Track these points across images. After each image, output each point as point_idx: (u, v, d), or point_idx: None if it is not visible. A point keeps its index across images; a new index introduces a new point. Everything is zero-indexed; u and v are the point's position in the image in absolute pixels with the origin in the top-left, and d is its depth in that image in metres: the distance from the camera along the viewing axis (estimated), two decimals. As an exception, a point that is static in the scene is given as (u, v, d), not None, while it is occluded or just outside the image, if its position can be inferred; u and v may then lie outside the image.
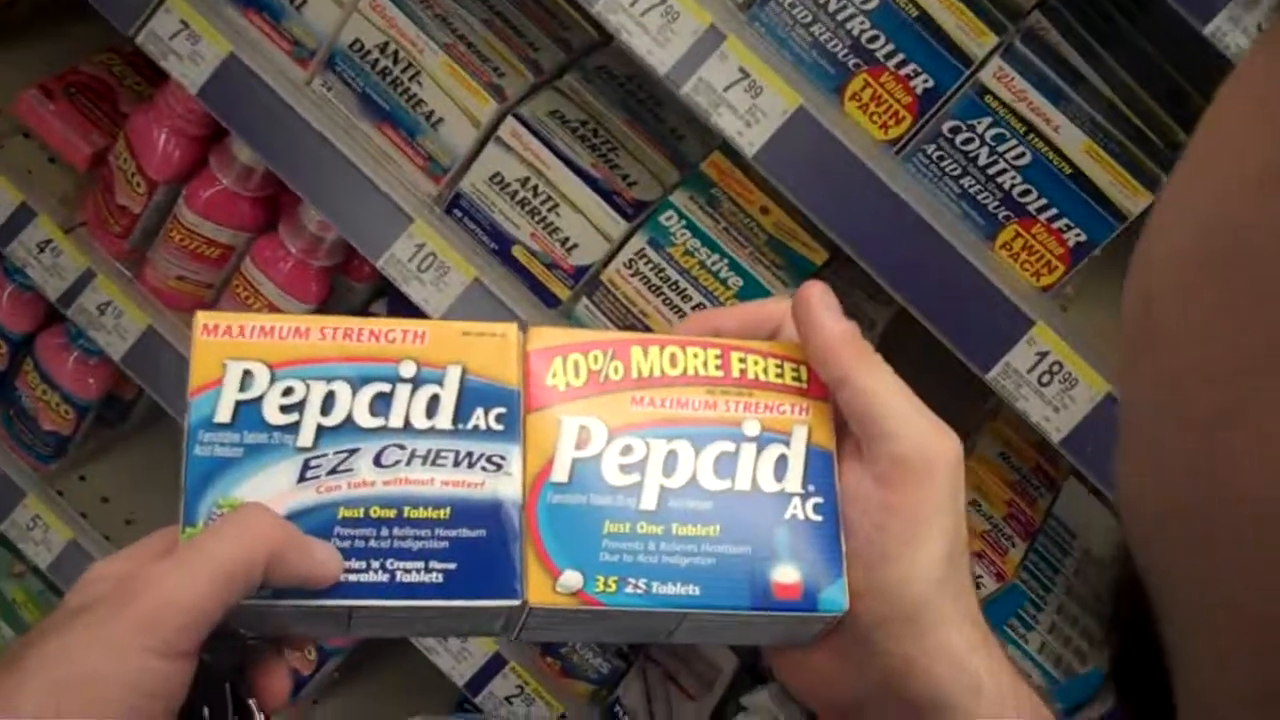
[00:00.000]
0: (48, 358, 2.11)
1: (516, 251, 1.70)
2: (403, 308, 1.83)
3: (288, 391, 0.80)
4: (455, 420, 0.81)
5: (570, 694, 2.00)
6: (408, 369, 0.82)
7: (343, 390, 0.80)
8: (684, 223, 1.65)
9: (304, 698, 2.27)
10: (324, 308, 1.94)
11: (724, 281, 1.66)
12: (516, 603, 0.79)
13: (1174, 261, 0.40)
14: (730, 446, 0.84)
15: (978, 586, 1.68)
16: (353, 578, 0.77)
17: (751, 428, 0.85)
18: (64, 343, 2.11)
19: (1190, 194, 0.41)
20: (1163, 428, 0.40)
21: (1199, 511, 0.38)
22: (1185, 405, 0.38)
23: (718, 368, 0.86)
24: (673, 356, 0.85)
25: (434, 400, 0.81)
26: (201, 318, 0.81)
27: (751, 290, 1.65)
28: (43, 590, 2.36)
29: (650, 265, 1.66)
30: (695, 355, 0.86)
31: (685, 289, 1.66)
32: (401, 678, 2.38)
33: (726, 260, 1.66)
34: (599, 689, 2.01)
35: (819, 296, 0.84)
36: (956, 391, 1.73)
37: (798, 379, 0.86)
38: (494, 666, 1.96)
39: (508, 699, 1.96)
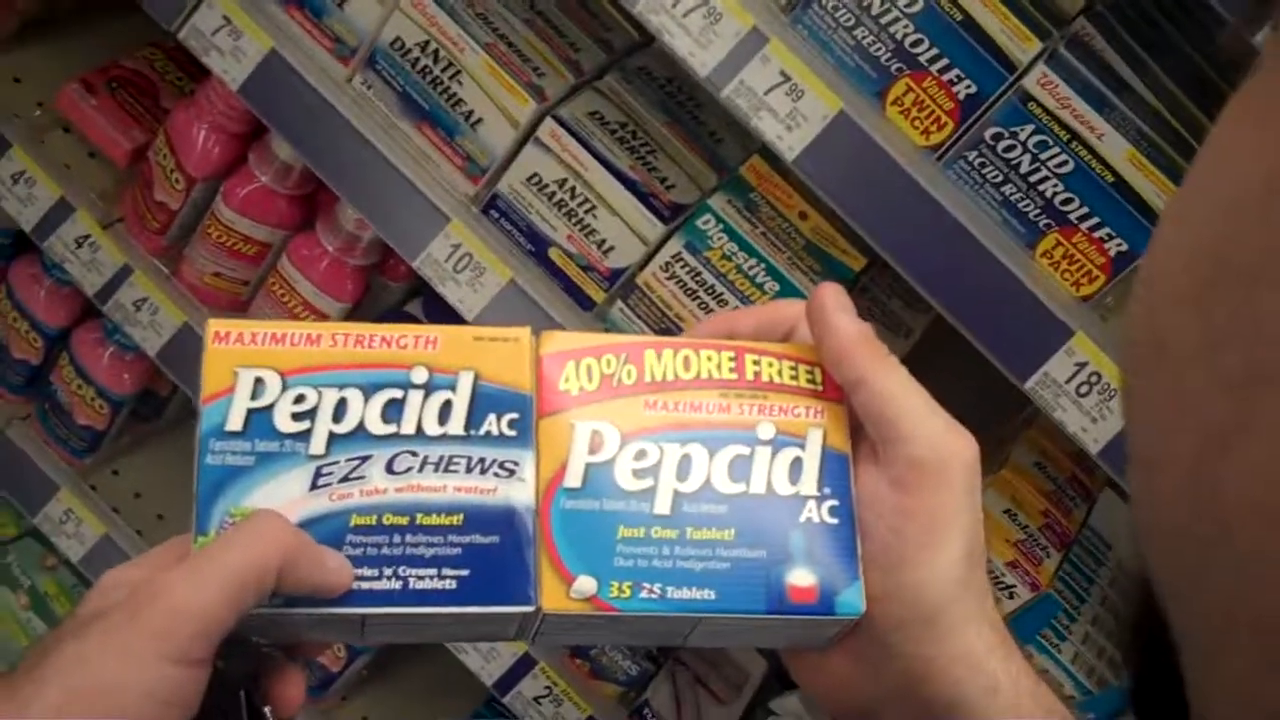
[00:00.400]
0: (84, 352, 2.12)
1: (552, 253, 1.69)
2: (438, 308, 1.83)
3: (299, 399, 0.80)
4: (468, 426, 0.81)
5: (598, 696, 1.99)
6: (420, 375, 0.82)
7: (355, 397, 0.80)
8: (721, 227, 1.65)
9: (331, 694, 2.27)
10: (360, 307, 1.94)
11: (760, 286, 1.65)
12: (530, 609, 0.79)
13: (1185, 274, 0.40)
14: (745, 450, 0.84)
15: (1011, 596, 1.67)
16: (365, 585, 0.77)
17: (766, 431, 0.85)
18: (100, 338, 2.11)
19: (1198, 209, 0.41)
20: (1174, 444, 0.40)
21: (1215, 526, 0.38)
22: (1198, 418, 0.38)
23: (732, 370, 0.86)
24: (686, 360, 0.85)
25: (446, 406, 0.81)
26: (213, 325, 0.81)
27: (788, 295, 1.65)
28: (75, 584, 2.37)
29: (687, 269, 1.66)
30: (709, 358, 0.86)
31: (721, 293, 1.66)
32: (430, 677, 2.38)
33: (764, 265, 1.65)
34: (627, 691, 2.01)
35: (833, 298, 0.84)
36: (993, 400, 1.72)
37: (812, 381, 0.86)
38: (523, 667, 1.96)
39: (536, 699, 1.96)
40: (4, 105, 2.03)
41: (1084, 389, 1.50)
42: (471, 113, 1.65)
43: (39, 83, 2.09)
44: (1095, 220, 1.47)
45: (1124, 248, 1.48)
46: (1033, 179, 1.48)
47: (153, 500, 2.27)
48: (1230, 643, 0.38)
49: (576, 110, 1.66)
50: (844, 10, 1.48)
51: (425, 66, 1.65)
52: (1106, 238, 1.48)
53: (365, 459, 0.79)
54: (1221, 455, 0.37)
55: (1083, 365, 1.49)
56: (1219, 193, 0.40)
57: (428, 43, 1.64)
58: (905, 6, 1.46)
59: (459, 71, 1.64)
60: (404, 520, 0.79)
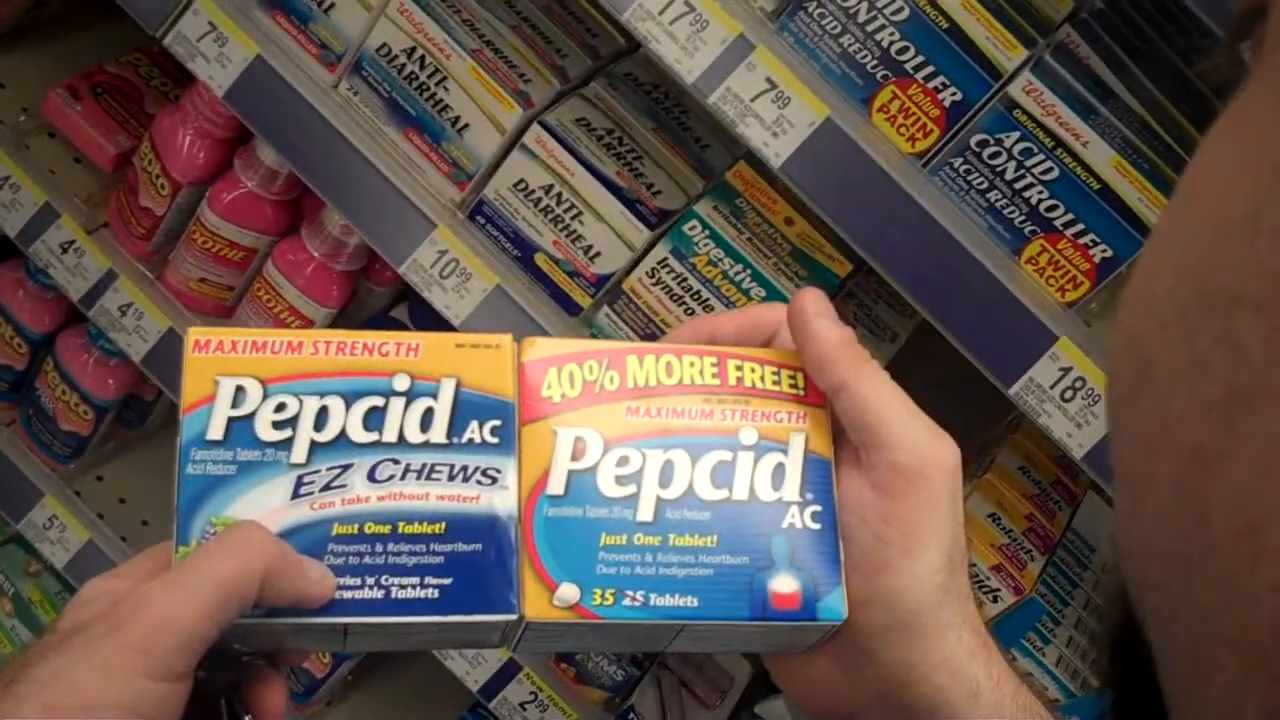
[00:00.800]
0: (68, 358, 2.11)
1: (539, 259, 1.69)
2: (424, 313, 1.83)
3: (280, 407, 0.79)
4: (450, 434, 0.81)
5: (584, 701, 1.99)
6: (401, 382, 0.81)
7: (336, 405, 0.80)
8: (707, 232, 1.65)
9: (316, 700, 2.26)
10: (345, 312, 1.94)
11: (746, 292, 1.66)
12: (513, 617, 0.79)
13: (1169, 298, 0.40)
14: (727, 455, 0.84)
15: (995, 599, 1.68)
16: (348, 595, 0.77)
17: (749, 436, 0.85)
18: (84, 343, 2.11)
19: (1183, 232, 0.41)
20: (1159, 464, 0.40)
21: (1199, 546, 0.38)
22: (1182, 439, 0.39)
23: (714, 376, 0.85)
24: (669, 365, 0.85)
25: (428, 414, 0.81)
26: (193, 334, 0.81)
27: (773, 301, 1.65)
28: (59, 590, 2.36)
29: (673, 275, 1.66)
30: (691, 364, 0.86)
31: (707, 299, 1.66)
32: (415, 682, 2.38)
33: (749, 271, 1.66)
34: (613, 696, 2.01)
35: (814, 303, 0.84)
36: (978, 405, 1.73)
37: (795, 386, 0.86)
38: (508, 673, 1.96)
39: (521, 705, 1.96)
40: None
41: (1068, 394, 1.51)
42: (458, 119, 1.65)
43: (23, 88, 2.09)
44: (1080, 227, 1.48)
45: (1109, 254, 1.48)
46: (1018, 185, 1.48)
47: (137, 506, 2.27)
48: (1214, 660, 0.38)
49: (563, 116, 1.67)
50: (830, 18, 1.48)
51: (412, 72, 1.65)
52: (1091, 244, 1.48)
53: (347, 467, 0.79)
54: (1206, 476, 0.37)
55: (1067, 370, 1.50)
56: (1204, 216, 0.40)
57: (414, 49, 1.64)
58: (891, 14, 1.46)
59: (445, 78, 1.64)
60: (386, 529, 0.78)
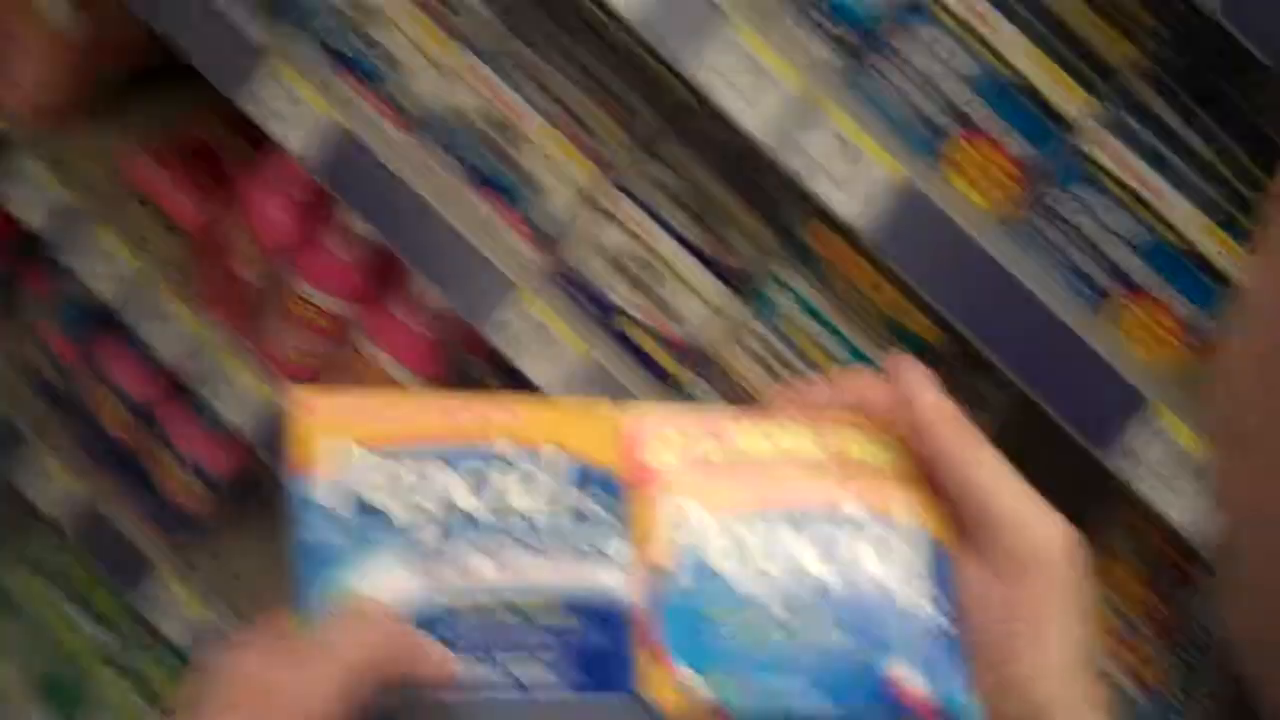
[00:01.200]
0: (175, 429, 2.13)
1: (623, 323, 1.68)
2: (516, 381, 1.82)
3: (388, 473, 0.77)
4: (560, 504, 0.79)
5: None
6: (507, 449, 0.79)
7: (444, 471, 0.78)
8: (790, 295, 1.64)
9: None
10: (442, 383, 1.93)
11: (833, 356, 1.64)
12: (632, 702, 0.76)
13: (1259, 379, 0.39)
14: (838, 533, 0.80)
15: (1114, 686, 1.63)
16: (465, 673, 0.75)
17: (857, 512, 0.81)
18: (191, 414, 2.12)
19: (1263, 307, 0.40)
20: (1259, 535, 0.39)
21: None
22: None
23: (819, 447, 0.82)
24: (772, 434, 0.82)
25: (538, 483, 0.79)
26: (298, 396, 0.79)
27: (858, 363, 1.63)
28: (175, 665, 2.38)
29: (756, 338, 1.66)
30: (796, 433, 0.82)
31: (791, 361, 1.65)
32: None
33: (836, 336, 1.63)
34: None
35: (918, 376, 0.80)
36: (1077, 479, 1.67)
37: (897, 459, 0.82)
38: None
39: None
40: (81, 180, 2.05)
41: (1171, 467, 1.46)
42: (534, 180, 1.64)
43: (111, 156, 2.11)
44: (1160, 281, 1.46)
45: (1191, 309, 1.46)
46: (1097, 242, 1.46)
47: (251, 580, 2.28)
48: None
49: (638, 177, 1.66)
50: (898, 73, 1.48)
51: (486, 134, 1.65)
52: (1173, 300, 1.46)
53: (459, 538, 0.77)
54: None
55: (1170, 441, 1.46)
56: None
57: (488, 111, 1.64)
58: (959, 68, 1.46)
59: (520, 139, 1.63)
60: (502, 605, 0.76)
